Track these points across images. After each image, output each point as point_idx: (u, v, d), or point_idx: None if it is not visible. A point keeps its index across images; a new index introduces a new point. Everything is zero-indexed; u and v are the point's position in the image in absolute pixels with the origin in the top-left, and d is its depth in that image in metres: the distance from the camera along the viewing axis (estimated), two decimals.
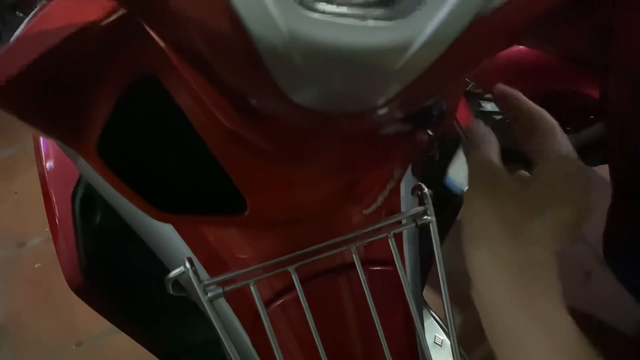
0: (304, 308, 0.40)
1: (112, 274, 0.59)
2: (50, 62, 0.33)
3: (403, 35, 0.19)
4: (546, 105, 0.99)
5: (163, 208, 0.41)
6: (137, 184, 0.41)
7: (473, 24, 0.19)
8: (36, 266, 1.36)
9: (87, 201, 0.57)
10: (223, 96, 0.31)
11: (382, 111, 0.23)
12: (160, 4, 0.20)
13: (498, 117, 1.29)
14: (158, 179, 0.42)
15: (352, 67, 0.19)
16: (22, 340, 1.21)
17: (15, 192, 1.51)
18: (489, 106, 1.31)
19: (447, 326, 0.52)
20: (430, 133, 0.41)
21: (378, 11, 0.19)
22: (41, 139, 0.63)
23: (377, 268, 0.46)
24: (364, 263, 0.42)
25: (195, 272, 0.40)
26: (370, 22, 0.19)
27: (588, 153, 1.24)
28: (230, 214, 0.41)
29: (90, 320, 1.18)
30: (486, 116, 1.32)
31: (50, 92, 0.35)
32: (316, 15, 0.19)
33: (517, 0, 0.19)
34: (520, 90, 0.93)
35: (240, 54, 0.20)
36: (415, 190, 0.46)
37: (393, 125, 0.39)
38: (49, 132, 0.36)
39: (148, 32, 0.29)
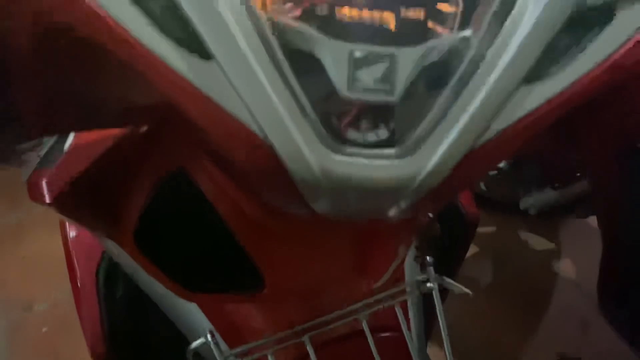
0: None
1: (134, 343, 0.63)
2: (97, 170, 0.39)
3: (409, 171, 0.24)
4: (535, 164, 1.05)
5: (189, 287, 0.46)
6: (166, 266, 0.46)
7: (466, 156, 0.24)
8: (43, 330, 1.37)
9: (111, 275, 0.61)
10: (250, 195, 0.36)
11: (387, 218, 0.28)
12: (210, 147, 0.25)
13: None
14: (186, 261, 0.46)
15: (368, 195, 0.24)
16: None
17: (23, 257, 1.54)
18: None
19: None
20: (430, 215, 0.46)
21: (388, 151, 0.24)
22: (68, 239, 0.68)
23: (386, 335, 0.50)
24: (373, 330, 0.46)
25: (217, 344, 0.44)
26: (383, 162, 0.24)
27: (578, 206, 1.30)
28: (250, 292, 0.45)
29: None
30: None
31: (96, 195, 0.40)
32: (340, 157, 0.24)
33: (497, 138, 0.25)
34: (533, 151, 0.98)
35: (276, 181, 0.25)
36: (418, 258, 0.51)
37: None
38: (94, 228, 0.41)
39: (178, 135, 0.34)
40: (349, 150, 0.24)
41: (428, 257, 0.54)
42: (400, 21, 0.26)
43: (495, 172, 1.37)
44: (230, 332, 0.50)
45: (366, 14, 0.26)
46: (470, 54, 0.25)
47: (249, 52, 0.23)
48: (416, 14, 0.26)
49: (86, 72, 0.26)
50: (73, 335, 1.35)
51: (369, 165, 0.24)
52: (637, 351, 1.05)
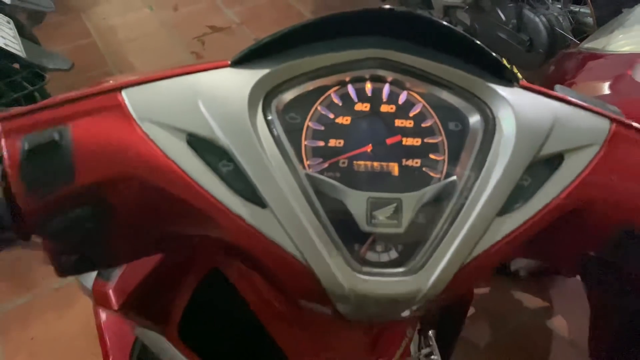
0: None
1: None
2: (152, 279, 0.46)
3: (415, 286, 0.32)
4: None
5: None
6: (203, 353, 0.53)
7: (458, 272, 0.33)
8: None
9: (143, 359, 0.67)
10: (280, 294, 0.44)
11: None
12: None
13: None
14: (219, 348, 0.53)
15: (384, 304, 0.32)
16: None
17: (32, 338, 1.57)
18: None
19: None
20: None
21: (398, 270, 0.32)
22: (102, 325, 0.74)
23: None
24: None
25: None
26: (394, 278, 0.32)
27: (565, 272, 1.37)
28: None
29: None
30: None
31: (151, 298, 0.47)
32: (363, 276, 0.32)
33: (480, 257, 0.33)
34: None
35: (313, 294, 0.33)
36: (421, 331, 0.57)
37: None
38: (149, 326, 0.48)
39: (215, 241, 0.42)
40: (368, 269, 0.32)
41: (430, 331, 0.61)
42: (402, 171, 0.34)
43: None
44: None
45: (376, 164, 0.34)
46: (456, 195, 0.33)
47: (293, 202, 0.32)
48: (414, 162, 0.35)
49: (172, 217, 0.34)
50: None
51: (384, 281, 0.32)
52: None
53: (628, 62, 0.86)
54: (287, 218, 0.31)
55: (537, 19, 1.86)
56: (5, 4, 1.83)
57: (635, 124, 0.38)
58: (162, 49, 2.76)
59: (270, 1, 3.10)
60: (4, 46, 1.64)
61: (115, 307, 0.48)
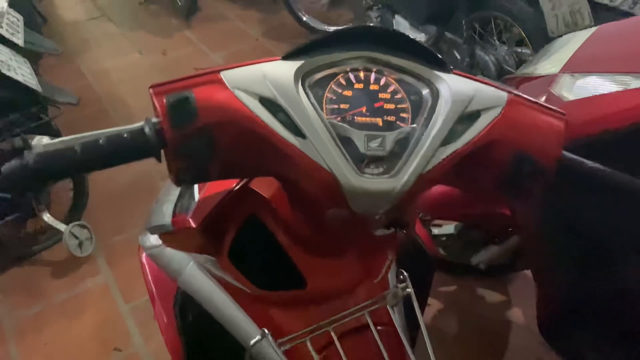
0: (341, 354, 0.69)
1: (203, 353, 0.87)
2: (215, 213, 0.68)
3: (393, 185, 0.55)
4: (478, 226, 1.38)
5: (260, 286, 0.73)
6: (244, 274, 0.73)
7: (418, 178, 0.55)
8: None
9: (182, 306, 0.86)
10: (303, 220, 0.65)
11: (385, 213, 0.58)
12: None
13: (443, 237, 1.68)
14: (255, 269, 0.74)
15: (375, 196, 0.55)
16: None
17: (45, 344, 1.71)
18: (436, 230, 1.69)
19: None
20: (404, 234, 0.76)
21: (384, 177, 0.55)
22: (147, 271, 0.93)
23: (381, 328, 0.76)
24: (375, 324, 0.73)
25: (271, 336, 0.70)
26: (381, 180, 0.55)
27: (514, 260, 1.61)
28: (297, 289, 0.72)
29: None
30: (435, 238, 1.70)
31: (212, 227, 0.69)
32: (363, 179, 0.54)
33: (430, 171, 0.56)
34: (459, 214, 1.31)
35: (334, 194, 0.55)
36: (398, 274, 0.79)
37: (385, 228, 0.73)
38: (207, 252, 0.69)
39: (255, 192, 0.64)
40: (366, 176, 0.55)
41: (404, 271, 0.83)
42: (384, 122, 0.58)
43: (447, 237, 1.69)
44: (275, 330, 0.75)
45: (368, 119, 0.58)
46: (416, 134, 0.57)
47: (322, 135, 0.54)
48: (390, 118, 0.58)
49: (251, 148, 0.56)
50: None
51: (375, 181, 0.55)
52: None
53: (548, 80, 1.13)
54: (319, 145, 0.54)
55: (487, 58, 2.18)
56: (19, 46, 2.04)
57: (523, 94, 0.62)
58: None
59: (252, 47, 3.39)
60: (24, 82, 1.85)
61: (194, 226, 0.69)
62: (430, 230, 1.70)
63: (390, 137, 0.56)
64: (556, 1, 1.84)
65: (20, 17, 2.13)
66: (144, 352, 1.67)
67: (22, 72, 1.91)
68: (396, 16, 2.51)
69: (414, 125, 0.58)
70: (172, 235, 0.77)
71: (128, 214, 2.13)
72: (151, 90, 0.54)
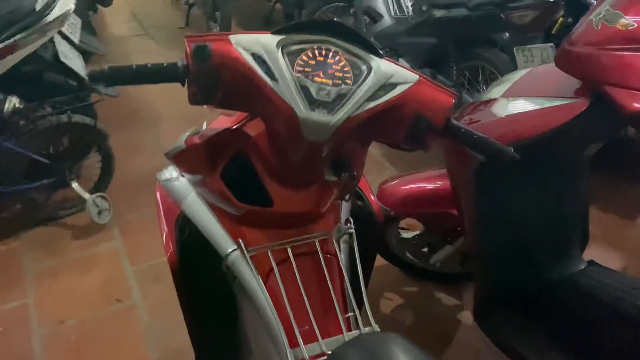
0: (294, 268, 0.97)
1: (191, 265, 1.14)
2: (214, 140, 0.99)
3: (332, 119, 0.85)
4: (433, 223, 1.67)
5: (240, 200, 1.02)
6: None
7: (347, 119, 0.86)
8: (72, 339, 1.80)
9: (182, 224, 1.15)
10: (275, 152, 0.95)
11: (329, 142, 0.88)
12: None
13: (410, 240, 1.95)
14: (237, 191, 1.03)
15: (320, 126, 0.85)
16: None
17: (59, 289, 1.99)
18: (404, 234, 1.96)
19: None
20: (350, 181, 1.05)
21: (327, 114, 0.86)
22: (159, 201, 1.22)
23: (327, 256, 1.04)
24: (322, 252, 1.01)
25: (243, 246, 0.99)
26: (325, 116, 0.86)
27: (463, 260, 1.87)
28: (267, 207, 1.00)
29: None
30: (403, 241, 1.97)
31: (211, 151, 0.99)
32: (313, 114, 0.85)
33: (356, 116, 0.86)
34: (417, 212, 1.61)
35: (292, 125, 0.86)
36: (347, 221, 1.07)
37: (332, 173, 1.02)
38: (204, 171, 0.99)
39: (245, 134, 0.94)
40: (314, 113, 0.85)
41: (350, 218, 1.12)
42: (333, 83, 0.88)
43: (412, 239, 1.96)
44: (245, 244, 1.03)
45: (324, 80, 0.89)
46: (351, 92, 0.87)
47: (289, 82, 0.85)
48: (338, 82, 0.89)
49: (242, 87, 0.87)
50: (96, 343, 1.78)
51: (320, 116, 0.85)
52: (505, 352, 1.52)
53: (491, 103, 1.43)
54: (285, 88, 0.84)
55: (470, 99, 2.51)
56: (75, 44, 2.42)
57: (428, 78, 0.92)
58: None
59: None
60: (76, 70, 2.22)
61: (199, 142, 0.99)
62: (400, 234, 1.98)
63: (334, 90, 0.87)
64: (529, 56, 2.18)
65: (79, 20, 2.53)
66: (140, 305, 1.94)
67: (75, 63, 2.28)
68: (400, 59, 2.87)
69: (353, 87, 0.89)
70: (182, 154, 1.06)
71: (144, 198, 2.43)
72: (185, 39, 0.86)
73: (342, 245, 1.08)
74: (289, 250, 1.00)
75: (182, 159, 1.09)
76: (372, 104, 0.88)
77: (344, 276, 1.04)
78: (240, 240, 1.00)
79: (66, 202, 2.40)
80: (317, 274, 1.02)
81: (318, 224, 1.07)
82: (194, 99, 0.89)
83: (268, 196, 1.00)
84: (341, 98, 0.87)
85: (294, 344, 0.94)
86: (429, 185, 1.75)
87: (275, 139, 0.95)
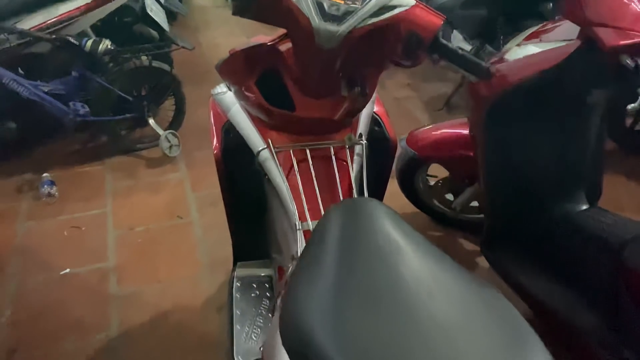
0: (310, 167, 1.22)
1: (232, 161, 1.41)
2: (254, 52, 1.25)
3: (338, 28, 1.09)
4: (455, 167, 1.88)
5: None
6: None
7: (353, 29, 1.09)
8: (138, 241, 2.15)
9: (227, 129, 1.42)
10: (299, 65, 1.20)
11: (339, 49, 1.12)
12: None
13: (437, 184, 2.13)
14: (268, 99, 1.28)
15: (330, 33, 1.09)
16: None
17: (132, 203, 2.36)
18: (432, 181, 2.15)
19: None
20: (361, 97, 1.27)
21: (336, 24, 1.10)
22: (211, 111, 1.50)
23: (341, 161, 1.28)
24: (336, 157, 1.25)
25: (271, 144, 1.24)
26: (334, 27, 1.09)
27: (481, 206, 2.03)
28: (291, 111, 1.25)
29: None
30: (431, 189, 2.16)
31: (249, 63, 1.25)
32: (326, 25, 1.09)
33: (359, 29, 1.10)
34: (439, 155, 1.82)
35: (309, 34, 1.11)
36: (360, 135, 1.31)
37: (345, 88, 1.25)
38: (243, 80, 1.25)
39: (277, 49, 1.20)
40: (326, 24, 1.08)
41: (362, 133, 1.34)
42: (345, 2, 1.12)
43: (437, 183, 2.14)
44: (272, 144, 1.28)
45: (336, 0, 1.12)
46: (358, 9, 1.10)
47: (308, 3, 1.10)
48: (349, 2, 1.12)
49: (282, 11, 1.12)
50: (157, 247, 2.12)
51: (330, 26, 1.08)
52: (513, 288, 1.68)
53: (506, 51, 1.60)
54: (305, 2, 1.09)
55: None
56: (161, 2, 2.78)
57: (423, 4, 1.13)
58: None
59: None
60: (160, 22, 2.56)
61: (240, 50, 1.25)
62: (428, 181, 2.17)
63: (343, 7, 1.10)
64: None
65: None
66: (196, 222, 2.27)
67: (159, 17, 2.63)
68: (454, 31, 3.02)
69: (358, 6, 1.11)
70: (226, 63, 1.31)
71: (209, 140, 2.76)
72: None
73: (355, 157, 1.31)
74: (308, 152, 1.25)
75: (226, 68, 1.36)
76: (374, 20, 1.10)
77: (351, 180, 1.27)
78: (269, 140, 1.26)
79: (143, 138, 2.78)
80: (329, 174, 1.26)
81: (334, 135, 1.30)
82: (236, 10, 1.14)
83: (292, 105, 1.25)
84: (349, 13, 1.10)
85: (303, 218, 1.19)
86: (452, 131, 1.93)
87: (299, 53, 1.19)
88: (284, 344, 0.81)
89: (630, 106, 1.19)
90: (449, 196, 2.15)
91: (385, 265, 0.81)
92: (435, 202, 2.21)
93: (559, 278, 1.58)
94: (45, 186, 2.35)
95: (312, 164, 1.25)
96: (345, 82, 1.22)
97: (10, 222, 2.25)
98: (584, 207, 1.65)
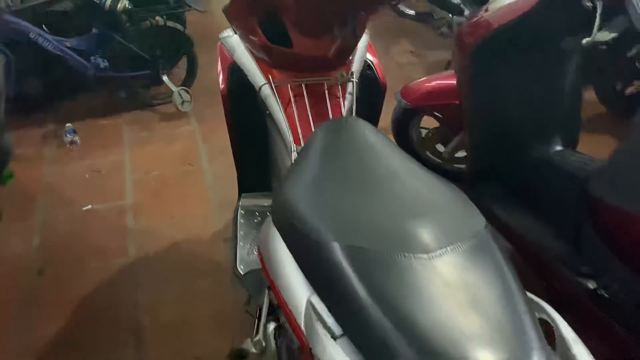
0: (306, 100, 1.39)
1: (237, 97, 1.59)
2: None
3: None
4: (444, 117, 2.05)
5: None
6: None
7: None
8: (153, 184, 2.34)
9: (232, 69, 1.59)
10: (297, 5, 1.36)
11: None
12: None
13: (427, 133, 2.29)
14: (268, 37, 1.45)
15: None
16: None
17: (146, 152, 2.55)
18: (423, 132, 2.31)
19: None
20: (352, 38, 1.42)
21: None
22: (219, 54, 1.67)
23: (333, 96, 1.44)
24: (329, 93, 1.42)
25: (271, 79, 1.41)
26: None
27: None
28: (289, 48, 1.42)
29: None
30: (423, 140, 2.31)
31: (253, 10, 1.42)
32: None
33: None
34: (433, 105, 1.98)
35: None
36: (352, 74, 1.47)
37: (338, 30, 1.41)
38: (245, 23, 1.42)
39: None
40: None
41: (354, 72, 1.50)
42: None
43: (429, 132, 2.30)
44: (274, 78, 1.45)
45: None
46: None
47: None
48: None
49: None
50: (171, 189, 2.31)
51: None
52: (493, 224, 1.82)
53: (490, 3, 1.74)
54: None
55: None
56: None
57: None
58: None
59: None
60: None
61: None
62: (421, 133, 2.33)
63: None
64: None
65: None
66: (207, 169, 2.46)
67: None
68: None
69: None
70: (232, 4, 1.47)
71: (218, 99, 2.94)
72: None
73: (347, 96, 1.47)
74: (304, 87, 1.42)
75: (232, 9, 1.52)
76: None
77: (342, 114, 1.44)
78: (270, 77, 1.43)
79: (158, 95, 2.97)
80: (322, 107, 1.42)
81: (328, 72, 1.46)
82: None
83: (291, 46, 1.41)
84: None
85: (298, 142, 1.36)
86: (442, 82, 2.09)
87: None
88: (275, 223, 0.99)
89: (584, 41, 1.31)
90: (440, 147, 2.31)
91: (359, 160, 0.99)
92: (428, 153, 2.36)
93: (533, 211, 1.74)
94: (69, 135, 2.55)
95: (308, 98, 1.42)
96: (338, 23, 1.38)
97: (37, 166, 2.46)
98: (559, 148, 1.80)
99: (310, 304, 0.80)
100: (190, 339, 1.63)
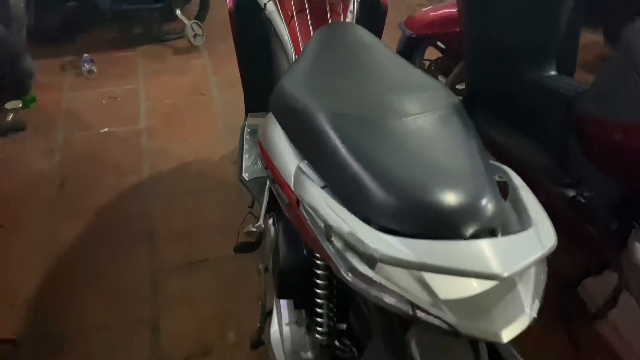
0: (308, 16, 1.46)
1: (243, 14, 1.67)
2: None
3: None
4: (446, 46, 2.13)
5: None
6: None
7: None
8: (166, 111, 2.46)
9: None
10: None
11: None
12: None
13: (432, 64, 2.35)
14: None
15: None
16: None
17: (157, 84, 2.66)
18: (426, 63, 2.37)
19: None
20: None
21: None
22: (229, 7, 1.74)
23: (334, 13, 1.51)
24: (331, 10, 1.49)
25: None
26: None
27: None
28: None
29: None
30: (428, 71, 2.38)
31: None
32: None
33: None
34: (431, 32, 2.06)
35: None
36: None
37: None
38: None
39: None
40: None
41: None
42: None
43: (431, 63, 2.37)
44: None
45: None
46: None
47: None
48: None
49: None
50: (182, 115, 2.43)
51: None
52: (487, 144, 1.92)
53: None
54: None
55: None
56: None
57: None
58: None
59: None
60: None
61: None
62: (424, 65, 2.39)
63: None
64: None
65: None
66: (216, 99, 2.57)
67: None
68: None
69: None
70: None
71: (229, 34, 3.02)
72: None
73: (347, 14, 1.54)
74: (306, 3, 1.49)
75: None
76: None
77: None
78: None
79: (171, 30, 3.05)
80: (324, 22, 1.50)
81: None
82: None
83: None
84: None
85: (298, 53, 1.45)
86: (444, 11, 2.14)
87: None
88: (272, 109, 1.10)
89: None
90: (442, 79, 2.38)
91: (351, 55, 1.08)
92: None
93: (524, 130, 1.82)
94: (86, 64, 2.67)
95: (310, 14, 1.49)
96: None
97: (57, 92, 2.59)
98: (553, 73, 1.87)
99: (299, 167, 0.92)
100: (198, 243, 1.77)
